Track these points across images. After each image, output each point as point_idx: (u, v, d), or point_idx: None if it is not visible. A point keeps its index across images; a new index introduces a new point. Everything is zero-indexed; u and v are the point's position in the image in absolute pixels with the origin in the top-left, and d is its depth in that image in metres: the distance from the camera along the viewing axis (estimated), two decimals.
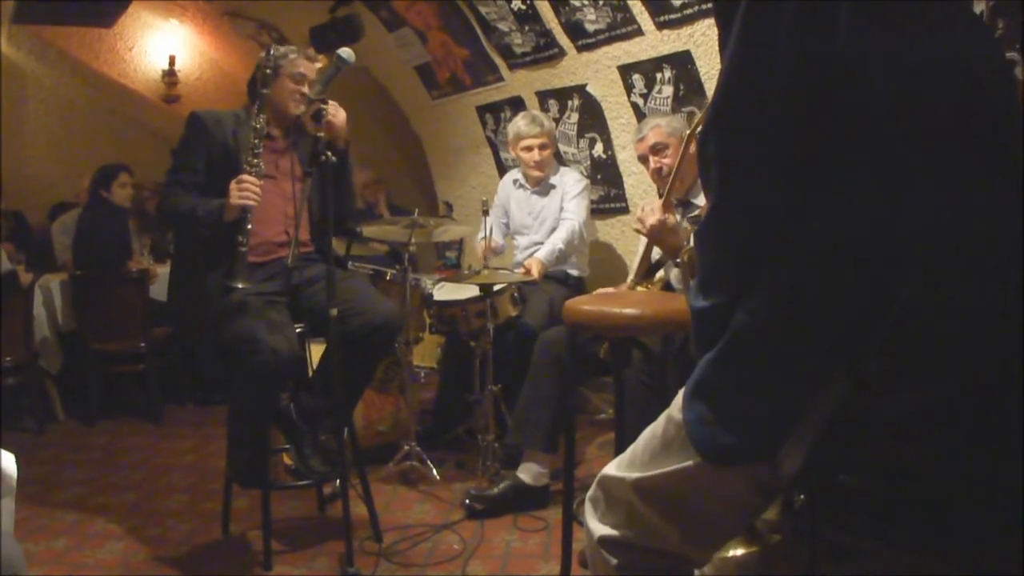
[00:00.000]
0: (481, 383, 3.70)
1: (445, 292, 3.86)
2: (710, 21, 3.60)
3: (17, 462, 1.97)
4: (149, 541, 3.09)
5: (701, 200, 3.07)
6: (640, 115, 4.10)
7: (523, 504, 3.20)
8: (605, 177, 4.51)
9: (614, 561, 1.34)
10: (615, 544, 1.33)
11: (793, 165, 1.00)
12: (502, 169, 5.15)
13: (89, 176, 5.37)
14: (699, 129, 2.78)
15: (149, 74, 7.26)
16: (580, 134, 4.55)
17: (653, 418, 1.37)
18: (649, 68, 3.98)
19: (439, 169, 5.98)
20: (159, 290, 4.71)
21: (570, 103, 4.54)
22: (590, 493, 1.41)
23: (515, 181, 4.32)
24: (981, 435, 0.91)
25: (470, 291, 3.67)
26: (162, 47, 7.19)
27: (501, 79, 4.89)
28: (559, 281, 4.05)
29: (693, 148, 2.98)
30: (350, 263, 3.35)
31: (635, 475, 1.29)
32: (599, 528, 1.36)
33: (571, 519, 2.49)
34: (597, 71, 4.27)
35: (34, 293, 4.71)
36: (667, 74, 3.92)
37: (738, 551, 1.90)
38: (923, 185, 0.92)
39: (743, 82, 1.02)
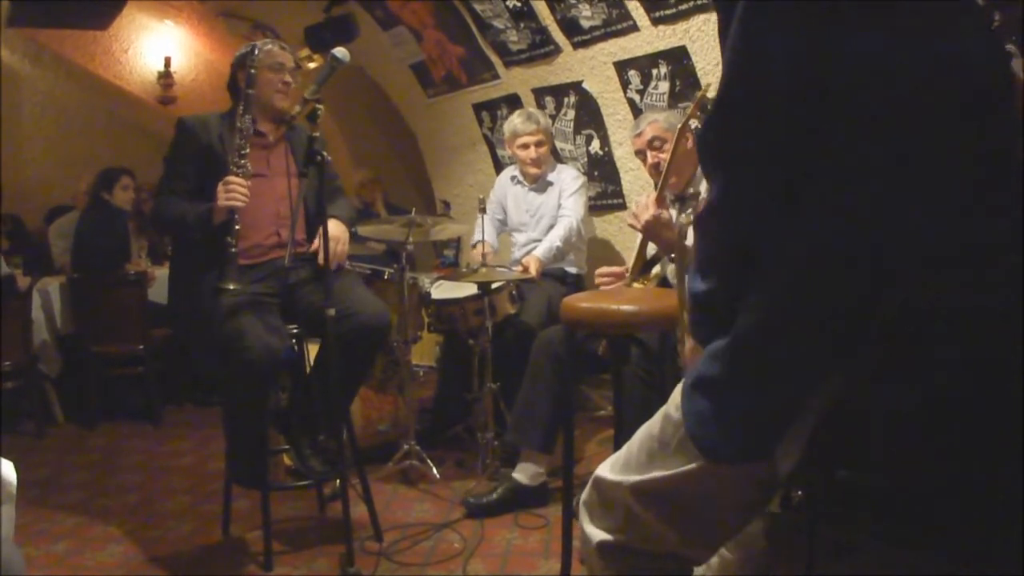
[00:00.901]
0: (480, 381, 3.70)
1: (443, 290, 3.86)
2: (705, 16, 3.60)
3: (16, 466, 1.96)
4: (150, 543, 3.08)
5: (703, 188, 3.06)
6: (636, 111, 4.10)
7: (521, 505, 3.20)
8: (602, 173, 4.51)
9: (612, 566, 1.33)
10: (612, 548, 1.31)
11: (791, 163, 1.00)
12: (499, 167, 5.14)
13: (86, 179, 5.38)
14: (691, 123, 2.78)
15: (145, 76, 7.26)
16: (577, 131, 4.55)
17: (652, 414, 1.37)
18: (645, 64, 3.98)
19: (436, 168, 5.97)
20: (157, 292, 4.71)
21: (566, 100, 4.54)
22: (584, 496, 1.38)
23: (512, 178, 4.32)
24: (978, 431, 0.91)
25: (468, 289, 3.67)
26: (157, 49, 7.19)
27: (497, 77, 4.88)
28: (557, 278, 4.05)
29: (688, 143, 2.98)
30: (347, 263, 3.34)
31: (633, 478, 1.27)
32: (596, 533, 1.34)
33: (571, 516, 2.49)
34: (593, 68, 4.27)
35: (32, 296, 4.71)
36: (663, 70, 3.92)
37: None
38: (920, 184, 0.92)
39: (742, 80, 1.01)
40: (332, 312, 2.61)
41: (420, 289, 3.85)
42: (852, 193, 0.96)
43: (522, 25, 4.41)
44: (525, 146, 4.08)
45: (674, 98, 3.90)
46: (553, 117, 4.57)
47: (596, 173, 4.53)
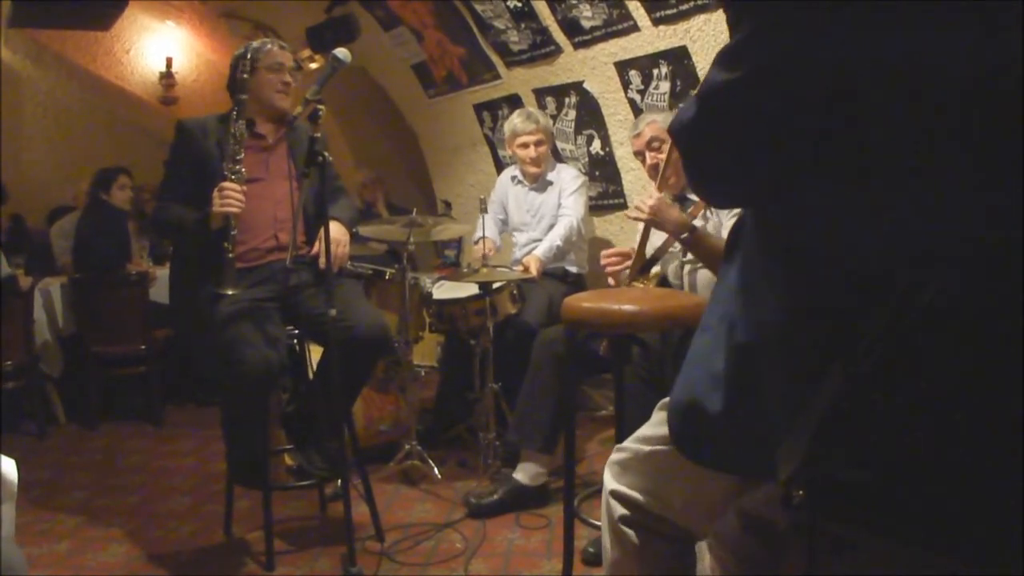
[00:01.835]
0: (481, 381, 3.70)
1: (444, 290, 3.86)
2: (706, 16, 3.60)
3: (18, 466, 1.97)
4: (151, 543, 3.09)
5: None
6: (637, 111, 4.10)
7: (522, 505, 3.20)
8: (603, 173, 4.51)
9: (620, 511, 1.44)
10: (627, 503, 1.44)
11: (791, 164, 1.00)
12: (500, 167, 5.15)
13: (87, 179, 5.38)
14: None
15: (146, 76, 7.27)
16: (578, 131, 4.55)
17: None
18: (646, 64, 3.98)
19: (437, 168, 5.98)
20: (159, 292, 4.71)
21: (567, 100, 4.54)
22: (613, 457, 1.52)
23: (513, 178, 4.32)
24: (978, 430, 0.91)
25: (469, 289, 3.67)
26: (159, 49, 7.20)
27: (498, 77, 4.88)
28: (558, 278, 4.06)
29: None
30: (349, 263, 3.34)
31: (646, 448, 1.40)
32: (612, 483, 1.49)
33: (573, 516, 2.49)
34: (594, 68, 4.27)
35: (34, 297, 4.71)
36: (664, 70, 3.92)
37: None
38: (922, 183, 0.92)
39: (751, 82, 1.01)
40: (334, 312, 2.61)
41: (421, 289, 3.85)
42: (852, 192, 0.96)
43: (523, 25, 4.41)
44: (525, 145, 4.08)
45: (675, 98, 3.90)
46: (554, 117, 4.57)
47: (597, 173, 4.53)
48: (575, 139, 4.58)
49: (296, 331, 2.93)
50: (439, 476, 3.53)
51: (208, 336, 2.74)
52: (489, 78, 4.95)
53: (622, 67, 4.10)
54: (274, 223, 2.96)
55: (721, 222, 2.95)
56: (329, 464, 2.93)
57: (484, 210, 3.73)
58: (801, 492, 0.99)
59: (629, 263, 2.92)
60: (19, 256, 5.65)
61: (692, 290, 2.97)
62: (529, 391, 3.23)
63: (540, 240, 4.09)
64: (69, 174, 6.57)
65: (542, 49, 4.46)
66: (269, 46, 2.98)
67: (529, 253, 4.03)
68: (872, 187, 0.95)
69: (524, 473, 3.22)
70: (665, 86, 3.94)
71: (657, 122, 3.26)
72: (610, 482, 1.48)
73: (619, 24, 3.96)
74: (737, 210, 2.18)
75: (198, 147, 2.89)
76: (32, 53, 6.94)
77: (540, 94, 4.68)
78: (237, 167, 2.78)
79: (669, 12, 3.71)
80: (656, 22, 3.80)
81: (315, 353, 3.03)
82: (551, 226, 4.11)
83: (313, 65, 5.69)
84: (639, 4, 3.79)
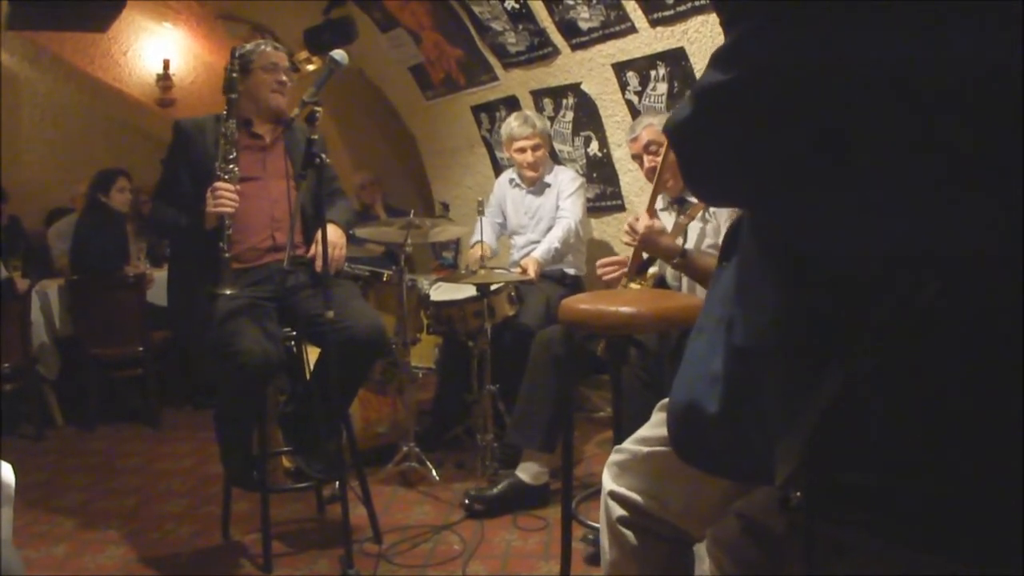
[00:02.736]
0: (479, 383, 3.70)
1: (442, 292, 3.86)
2: (704, 17, 3.60)
3: (15, 468, 1.97)
4: (149, 546, 3.09)
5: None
6: (635, 112, 4.10)
7: (523, 503, 3.20)
8: (601, 175, 4.51)
9: (618, 512, 1.44)
10: (626, 505, 1.44)
11: (787, 165, 1.00)
12: (498, 169, 5.15)
13: (85, 181, 5.37)
14: None
15: (144, 78, 7.26)
16: (575, 132, 4.55)
17: (651, 415, 1.40)
18: (643, 65, 3.98)
19: (435, 169, 5.98)
20: (156, 294, 4.71)
21: (565, 102, 4.54)
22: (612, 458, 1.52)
23: (511, 180, 4.32)
24: (978, 430, 0.91)
25: (467, 291, 3.67)
26: (156, 51, 7.19)
27: (495, 79, 4.89)
28: (556, 280, 4.06)
29: None
30: (346, 264, 3.34)
31: (644, 449, 1.41)
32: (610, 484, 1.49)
33: (571, 518, 2.49)
34: (591, 69, 4.27)
35: (31, 299, 4.71)
36: (661, 71, 3.92)
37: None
38: (920, 184, 0.92)
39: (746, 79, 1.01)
40: (331, 314, 2.61)
41: (419, 291, 3.85)
42: (848, 194, 0.96)
43: (520, 27, 4.41)
44: (522, 150, 4.08)
45: (672, 99, 3.91)
46: (552, 119, 4.58)
47: (595, 175, 4.53)
48: (573, 140, 4.58)
49: (293, 333, 2.93)
50: (437, 478, 3.53)
51: (206, 334, 2.74)
52: (487, 80, 4.95)
53: (620, 68, 4.10)
54: (271, 223, 2.96)
55: (719, 225, 2.95)
56: (327, 466, 2.93)
57: (481, 212, 3.73)
58: (799, 494, 0.99)
59: (625, 270, 2.93)
60: (16, 258, 5.65)
61: (690, 291, 2.97)
62: (527, 391, 3.24)
63: (538, 242, 4.09)
64: (66, 176, 6.56)
65: (540, 51, 4.46)
66: (263, 47, 2.98)
67: (527, 255, 4.03)
68: (869, 188, 0.95)
69: (526, 472, 3.22)
70: (663, 87, 3.95)
71: (654, 125, 3.26)
72: (608, 483, 1.48)
73: (617, 25, 3.96)
74: (735, 213, 2.18)
75: (195, 147, 2.89)
76: (30, 55, 6.93)
77: (538, 95, 4.68)
78: (230, 166, 2.78)
79: (667, 14, 3.71)
80: (654, 23, 3.80)
81: (312, 355, 3.03)
82: (549, 228, 4.11)
83: (311, 67, 5.69)
84: (637, 5, 3.79)
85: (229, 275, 2.71)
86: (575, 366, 3.19)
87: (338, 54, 2.67)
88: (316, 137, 2.62)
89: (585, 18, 4.07)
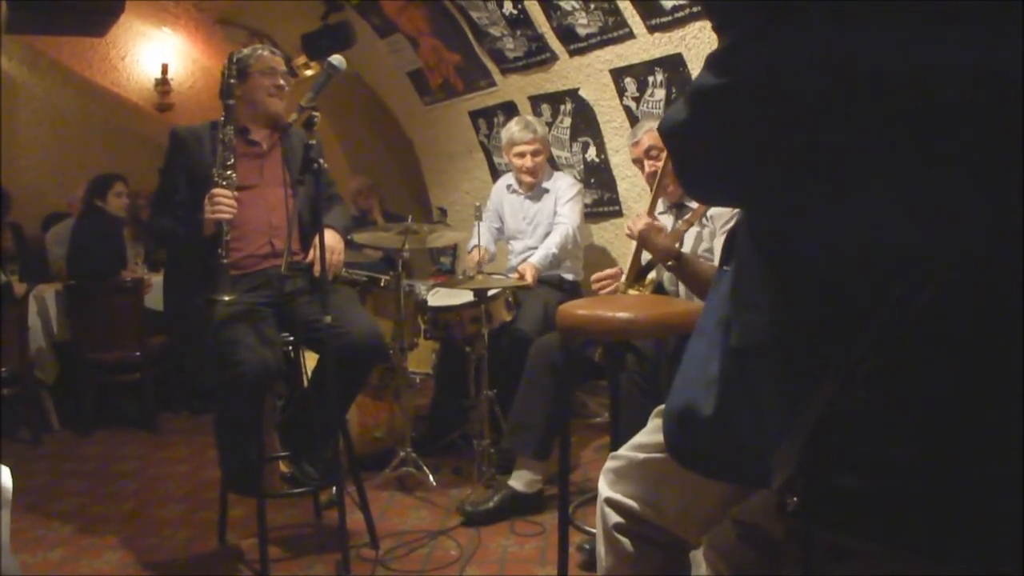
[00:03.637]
0: (476, 388, 3.70)
1: (440, 298, 3.86)
2: (701, 24, 3.61)
3: (12, 473, 1.97)
4: (145, 551, 3.08)
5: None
6: (633, 118, 4.11)
7: (518, 513, 3.20)
8: (599, 181, 4.52)
9: (614, 519, 1.45)
10: (622, 511, 1.45)
11: (784, 167, 1.00)
12: (496, 174, 5.15)
13: (83, 186, 5.36)
14: None
15: (142, 83, 7.27)
16: (573, 138, 4.56)
17: (648, 421, 1.40)
18: (641, 71, 3.99)
19: (432, 175, 5.98)
20: (154, 299, 4.70)
21: (563, 107, 4.55)
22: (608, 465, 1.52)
23: (508, 186, 4.32)
24: (975, 434, 0.91)
25: (465, 296, 3.66)
26: (155, 56, 7.20)
27: (493, 84, 4.89)
28: (554, 286, 4.05)
29: None
30: (344, 270, 3.34)
31: (640, 455, 1.41)
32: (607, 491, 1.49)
33: (567, 523, 2.49)
34: (589, 75, 4.28)
35: (29, 303, 4.70)
36: (659, 77, 3.93)
37: None
38: (919, 187, 0.92)
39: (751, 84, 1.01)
40: (329, 319, 2.61)
41: (416, 296, 3.85)
42: (845, 196, 0.96)
43: (518, 32, 4.42)
44: (521, 155, 4.08)
45: (670, 105, 3.91)
46: (549, 124, 4.58)
47: (592, 180, 4.54)
48: (570, 146, 4.59)
49: (291, 338, 2.92)
50: (434, 483, 3.53)
51: (204, 341, 2.74)
52: (485, 85, 4.96)
53: (617, 74, 4.11)
54: (269, 229, 2.96)
55: (715, 230, 2.96)
56: (324, 471, 2.93)
57: (479, 217, 3.73)
58: (796, 499, 0.99)
59: (620, 283, 2.94)
60: (14, 262, 5.64)
61: (688, 297, 2.97)
62: (524, 398, 3.23)
63: (536, 248, 4.09)
64: (64, 180, 6.56)
65: (538, 56, 4.47)
66: (261, 51, 2.98)
67: (525, 261, 4.03)
68: (866, 191, 0.95)
69: (519, 480, 3.22)
70: (660, 93, 3.95)
71: (655, 130, 3.27)
72: (605, 490, 1.48)
73: (615, 31, 3.97)
74: (732, 218, 2.19)
75: (192, 154, 2.89)
76: (28, 59, 6.94)
77: (535, 101, 4.69)
78: (228, 173, 2.78)
79: (664, 20, 3.72)
80: (651, 29, 3.81)
81: (310, 360, 3.03)
82: (547, 234, 4.10)
83: (309, 72, 5.70)
84: (634, 12, 3.80)
85: (227, 281, 2.71)
86: (572, 372, 3.19)
87: (336, 59, 2.68)
88: (314, 142, 2.62)
89: (583, 24, 4.08)
